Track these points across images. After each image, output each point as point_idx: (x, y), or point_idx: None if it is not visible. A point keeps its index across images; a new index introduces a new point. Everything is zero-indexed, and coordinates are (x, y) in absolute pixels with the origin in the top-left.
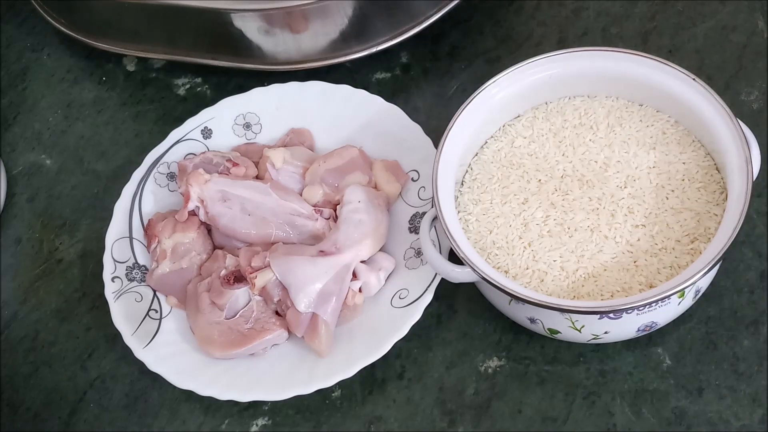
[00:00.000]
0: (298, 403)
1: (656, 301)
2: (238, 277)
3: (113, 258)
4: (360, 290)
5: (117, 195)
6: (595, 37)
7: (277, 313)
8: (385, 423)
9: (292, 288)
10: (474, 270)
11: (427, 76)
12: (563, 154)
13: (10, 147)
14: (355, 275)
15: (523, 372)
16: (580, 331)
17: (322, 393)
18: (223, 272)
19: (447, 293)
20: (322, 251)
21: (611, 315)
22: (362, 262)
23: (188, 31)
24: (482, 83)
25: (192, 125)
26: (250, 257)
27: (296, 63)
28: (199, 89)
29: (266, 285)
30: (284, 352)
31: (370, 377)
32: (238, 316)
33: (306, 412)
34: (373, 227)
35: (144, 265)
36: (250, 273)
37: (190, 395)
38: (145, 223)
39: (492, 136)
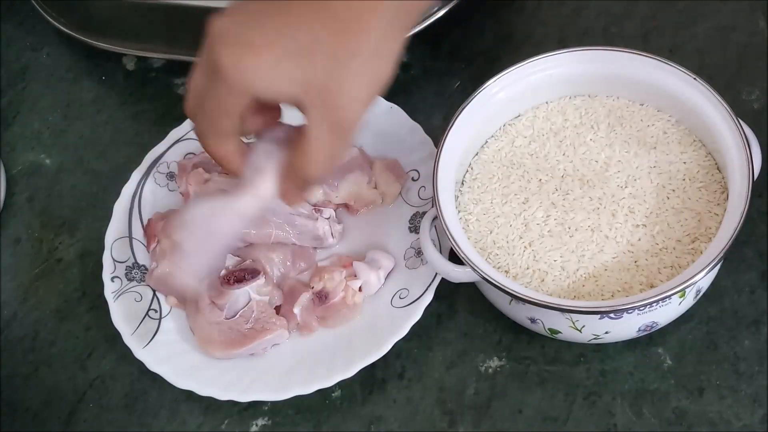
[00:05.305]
0: (298, 403)
1: (657, 301)
2: (238, 277)
3: (113, 258)
4: (360, 289)
5: (116, 194)
6: (596, 36)
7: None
8: (385, 423)
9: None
10: (474, 270)
11: (427, 76)
12: (564, 154)
13: (9, 146)
14: (355, 275)
15: (523, 372)
16: (580, 331)
17: (322, 393)
18: (222, 272)
19: (447, 293)
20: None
21: (612, 315)
22: (362, 261)
23: (188, 30)
24: (482, 83)
25: (192, 125)
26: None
27: None
28: None
29: None
30: (284, 352)
31: (370, 377)
32: (238, 316)
33: (306, 412)
34: (269, 179)
35: (144, 265)
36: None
37: (189, 395)
38: (145, 222)
39: (492, 136)
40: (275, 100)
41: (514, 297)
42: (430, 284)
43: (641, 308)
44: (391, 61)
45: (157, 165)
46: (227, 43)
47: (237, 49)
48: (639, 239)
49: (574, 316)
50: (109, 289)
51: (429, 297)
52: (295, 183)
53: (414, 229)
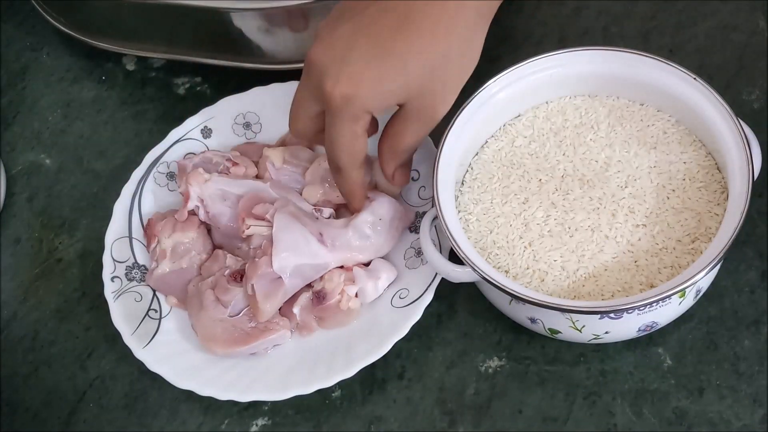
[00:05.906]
0: (298, 403)
1: (657, 301)
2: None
3: (113, 258)
4: (356, 295)
5: (116, 194)
6: (596, 36)
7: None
8: (385, 423)
9: (278, 245)
10: (474, 270)
11: None
12: (564, 154)
13: (9, 146)
14: (353, 279)
15: (523, 372)
16: (580, 331)
17: (322, 393)
18: (228, 271)
19: (447, 293)
20: (321, 235)
21: (612, 315)
22: (362, 267)
23: (188, 30)
24: (482, 82)
25: (192, 124)
26: (251, 205)
27: (296, 62)
28: (198, 88)
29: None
30: (285, 352)
31: (370, 377)
32: (241, 314)
33: (306, 412)
34: (375, 249)
35: (144, 265)
36: (245, 218)
37: (189, 395)
38: (145, 222)
39: (492, 136)
40: (382, 111)
41: (514, 297)
42: (430, 284)
43: (641, 308)
44: (477, 54)
45: (157, 165)
46: (331, 77)
47: (341, 81)
48: (639, 239)
49: (574, 316)
50: (109, 289)
51: (429, 297)
52: (393, 164)
53: (414, 229)
